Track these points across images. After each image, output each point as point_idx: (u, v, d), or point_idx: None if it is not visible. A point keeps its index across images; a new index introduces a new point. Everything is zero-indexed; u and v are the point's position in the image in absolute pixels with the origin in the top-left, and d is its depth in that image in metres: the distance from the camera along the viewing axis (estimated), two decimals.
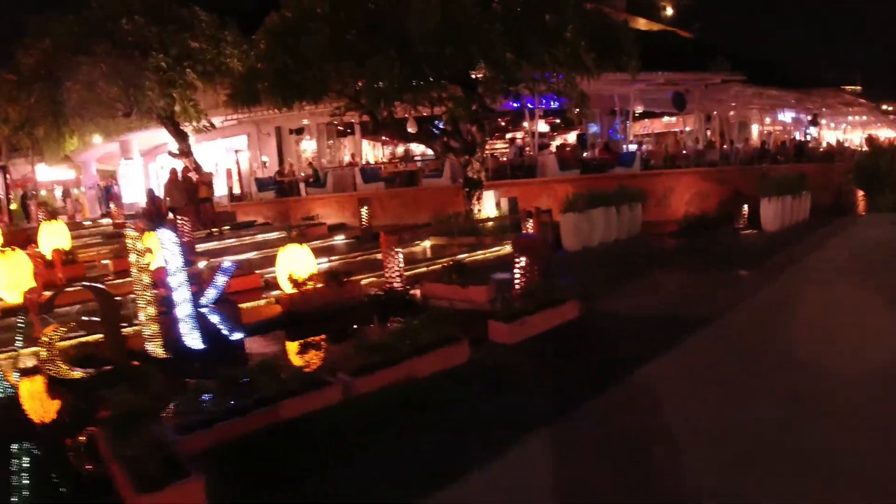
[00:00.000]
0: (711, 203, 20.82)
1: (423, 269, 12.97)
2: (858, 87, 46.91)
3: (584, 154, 25.09)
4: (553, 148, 29.58)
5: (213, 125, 23.39)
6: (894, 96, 52.86)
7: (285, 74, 14.35)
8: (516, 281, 9.10)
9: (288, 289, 10.78)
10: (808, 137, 34.94)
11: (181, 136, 23.09)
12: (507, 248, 15.28)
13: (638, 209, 17.00)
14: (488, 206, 17.94)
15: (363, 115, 17.57)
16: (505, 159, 24.13)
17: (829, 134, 41.79)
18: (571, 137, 32.81)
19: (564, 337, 7.53)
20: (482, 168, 17.85)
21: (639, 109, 26.09)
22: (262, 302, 11.53)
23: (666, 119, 37.09)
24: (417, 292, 10.88)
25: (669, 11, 55.62)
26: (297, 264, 11.03)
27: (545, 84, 16.84)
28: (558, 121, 35.70)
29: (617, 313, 8.54)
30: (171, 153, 23.80)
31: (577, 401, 5.62)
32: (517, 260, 9.10)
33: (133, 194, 30.80)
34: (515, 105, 28.92)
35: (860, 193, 22.88)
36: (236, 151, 30.20)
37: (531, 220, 14.54)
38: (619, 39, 15.14)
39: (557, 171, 22.18)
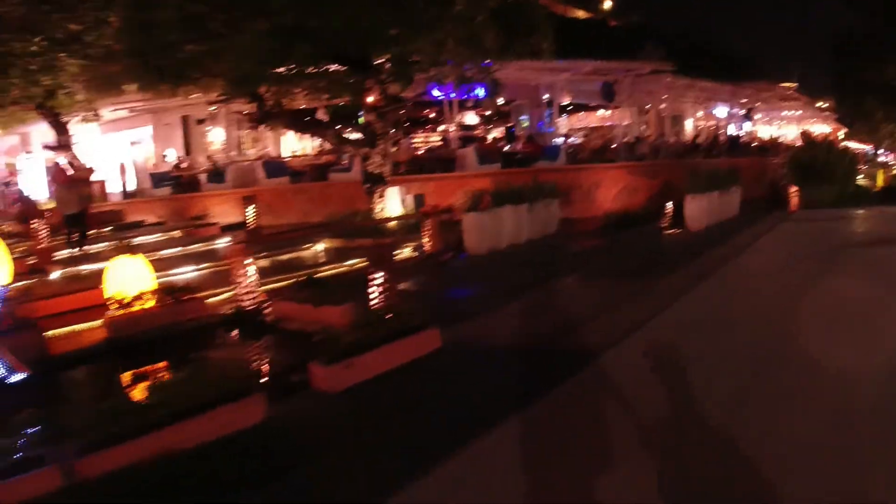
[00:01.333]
0: (640, 198, 19.46)
1: (295, 280, 11.06)
2: (794, 84, 46.50)
3: (506, 147, 23.48)
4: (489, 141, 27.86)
5: (97, 115, 20.92)
6: (829, 94, 52.99)
7: (140, 55, 12.21)
8: (373, 301, 7.30)
9: (116, 309, 8.80)
10: (743, 132, 34.17)
11: (60, 128, 20.56)
12: (408, 252, 13.55)
13: (554, 206, 15.41)
14: (392, 203, 16.11)
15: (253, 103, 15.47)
16: (421, 152, 22.33)
17: (764, 129, 41.35)
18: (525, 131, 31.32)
19: (406, 383, 5.76)
20: (385, 162, 15.98)
21: (565, 101, 24.62)
22: (87, 325, 9.46)
23: (601, 112, 35.90)
24: (271, 311, 9.02)
25: (608, 4, 54.65)
26: (129, 280, 9.04)
27: (451, 69, 15.07)
28: (489, 112, 34.08)
29: (487, 345, 6.83)
30: (45, 146, 21.22)
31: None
32: (372, 276, 7.29)
33: (34, 192, 27.88)
34: (441, 95, 27.33)
35: (794, 189, 21.88)
36: (132, 144, 27.60)
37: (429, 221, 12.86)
38: (527, 17, 13.48)
39: (476, 165, 20.50)
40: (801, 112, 40.96)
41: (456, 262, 12.33)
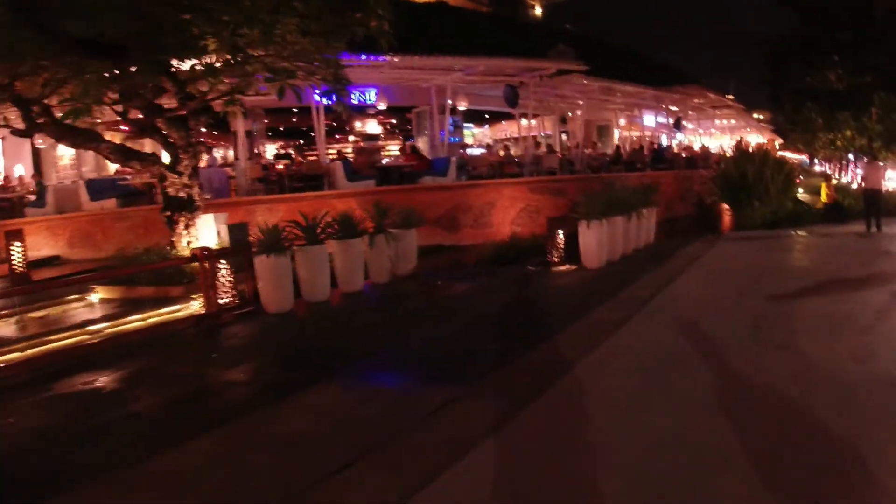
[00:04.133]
0: (543, 221, 16.01)
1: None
2: (730, 96, 44.15)
3: (385, 161, 19.77)
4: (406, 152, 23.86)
5: None
6: (765, 105, 51.13)
7: None
8: None
9: None
10: (675, 143, 31.23)
11: None
12: (194, 308, 9.58)
13: (409, 238, 11.68)
14: (207, 234, 12.09)
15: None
16: (281, 167, 18.35)
17: (697, 140, 38.70)
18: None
19: None
20: (192, 182, 11.97)
21: (463, 105, 21.01)
22: None
23: (525, 122, 32.52)
24: None
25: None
26: None
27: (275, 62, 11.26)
28: (395, 121, 30.38)
29: None
30: None
31: None
32: None
33: None
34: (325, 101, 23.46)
35: (725, 207, 18.70)
36: None
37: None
38: None
39: (346, 183, 16.67)
40: (734, 122, 38.44)
41: (234, 329, 8.42)
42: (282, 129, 31.54)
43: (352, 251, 10.62)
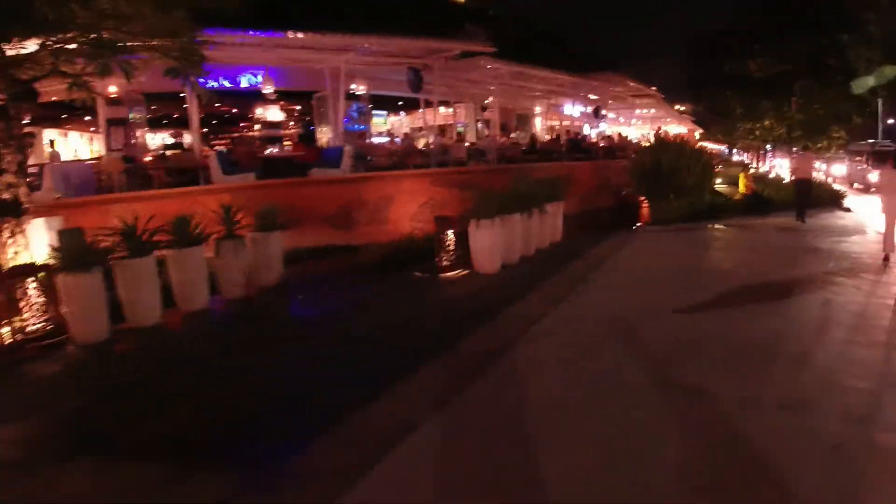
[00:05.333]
0: (449, 215, 14.44)
1: None
2: (653, 88, 43.69)
3: (269, 151, 17.77)
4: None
5: None
6: (687, 96, 51.08)
7: None
8: None
9: None
10: (595, 132, 30.17)
11: None
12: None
13: (271, 243, 9.82)
14: (38, 243, 9.86)
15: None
16: (148, 160, 16.06)
17: (620, 130, 37.95)
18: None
19: None
20: (18, 182, 9.69)
21: (361, 89, 19.14)
22: None
23: (444, 110, 30.83)
24: None
25: None
26: None
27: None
28: (300, 107, 28.20)
29: None
30: None
31: None
32: None
33: None
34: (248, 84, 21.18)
35: (642, 199, 17.48)
36: None
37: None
38: None
39: (221, 176, 14.57)
40: (655, 111, 37.83)
41: (32, 368, 6.41)
42: (177, 117, 28.90)
43: (191, 262, 8.69)
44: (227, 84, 21.45)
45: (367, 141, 19.05)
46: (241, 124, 29.39)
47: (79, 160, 17.48)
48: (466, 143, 19.06)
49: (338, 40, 15.44)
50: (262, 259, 9.87)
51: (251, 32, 14.88)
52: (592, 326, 6.43)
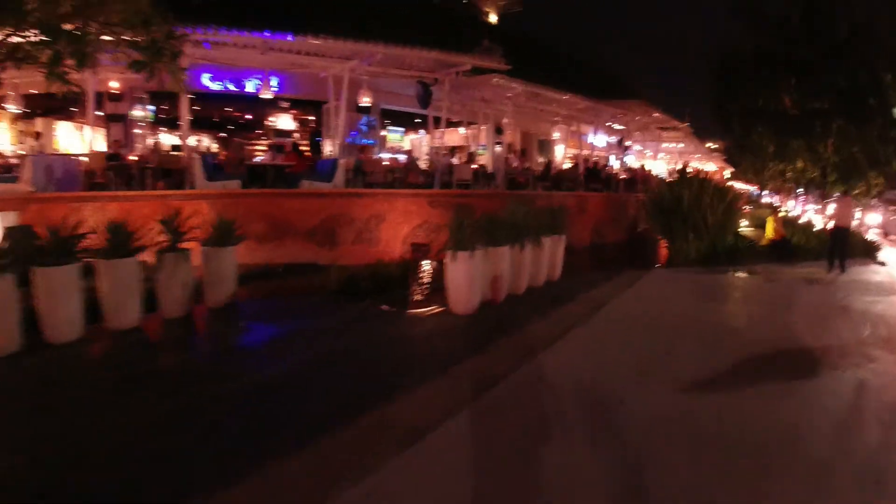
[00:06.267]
0: (427, 242, 13.21)
1: None
2: (686, 124, 42.37)
3: (259, 158, 16.70)
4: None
5: None
6: (719, 135, 49.49)
7: None
8: None
9: None
10: (619, 164, 28.77)
11: None
12: None
13: (223, 258, 8.67)
14: None
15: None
16: (133, 158, 15.06)
17: (649, 164, 36.45)
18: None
19: None
20: None
21: (366, 101, 18.04)
22: None
23: (464, 131, 29.67)
24: None
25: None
26: None
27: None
28: (313, 117, 27.13)
29: None
30: None
31: None
32: None
33: None
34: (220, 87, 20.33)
35: (657, 236, 16.11)
36: None
37: None
38: None
39: (204, 182, 13.54)
40: (683, 145, 36.32)
41: None
42: (190, 119, 28.04)
43: (122, 274, 7.57)
44: (231, 87, 20.59)
45: (371, 156, 17.89)
46: (258, 131, 28.52)
47: (65, 154, 16.57)
48: (474, 165, 17.82)
49: (339, 46, 14.35)
50: (213, 276, 8.72)
51: (242, 32, 13.90)
52: (559, 399, 5.09)
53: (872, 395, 5.51)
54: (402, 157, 19.24)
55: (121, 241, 7.78)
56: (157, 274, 8.14)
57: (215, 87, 20.32)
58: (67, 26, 7.65)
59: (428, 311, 8.40)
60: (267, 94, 16.62)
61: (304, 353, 6.54)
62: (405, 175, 15.89)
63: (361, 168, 15.49)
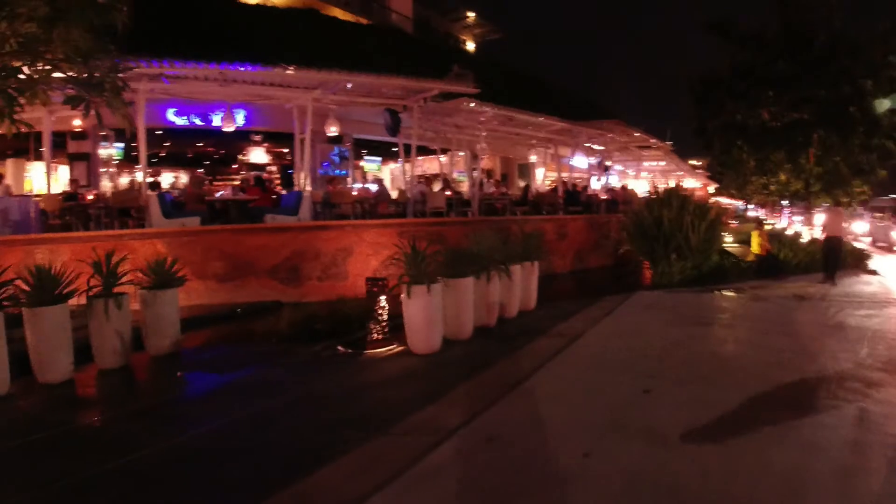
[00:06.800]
0: (386, 276, 12.57)
1: None
2: (667, 142, 42.32)
3: (220, 193, 16.04)
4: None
5: None
6: (698, 151, 49.34)
7: None
8: None
9: None
10: (599, 185, 28.25)
11: None
12: None
13: (165, 303, 7.97)
14: None
15: None
16: (90, 198, 14.37)
17: (632, 184, 36.00)
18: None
19: None
20: None
21: (333, 131, 17.43)
22: None
23: (444, 159, 29.11)
24: None
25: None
26: None
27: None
28: (287, 150, 26.56)
29: None
30: None
31: None
32: None
33: None
34: (183, 122, 19.72)
35: (640, 259, 15.49)
36: None
37: None
38: None
39: (161, 220, 12.86)
40: (664, 164, 35.93)
41: None
42: (163, 155, 27.36)
43: (49, 323, 6.86)
44: (198, 122, 19.99)
45: (341, 187, 17.27)
46: (234, 166, 27.90)
47: (23, 196, 15.89)
48: (448, 192, 17.21)
49: (301, 76, 13.77)
50: (154, 322, 8.00)
51: (200, 64, 13.31)
52: (514, 459, 4.35)
53: (878, 430, 4.82)
54: (373, 187, 18.63)
55: (46, 286, 7.09)
56: (90, 321, 7.44)
57: (180, 121, 19.72)
58: (15, 63, 7.09)
59: (386, 351, 7.69)
60: (230, 127, 15.99)
61: (238, 409, 5.80)
62: (375, 205, 15.24)
63: (329, 200, 14.85)
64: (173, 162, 28.33)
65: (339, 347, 7.94)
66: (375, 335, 7.90)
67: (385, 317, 7.96)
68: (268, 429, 5.26)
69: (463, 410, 5.26)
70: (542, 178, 30.71)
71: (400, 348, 7.71)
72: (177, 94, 15.93)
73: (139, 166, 14.25)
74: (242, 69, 13.03)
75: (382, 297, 7.97)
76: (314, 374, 6.99)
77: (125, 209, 13.84)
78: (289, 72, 13.75)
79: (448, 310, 7.92)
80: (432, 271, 7.60)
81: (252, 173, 17.45)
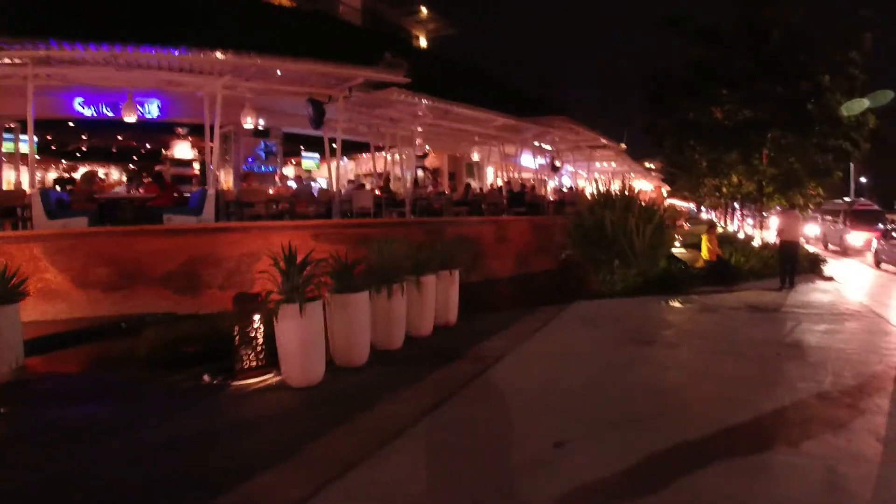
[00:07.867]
0: (259, 291, 11.10)
1: None
2: (623, 146, 41.79)
3: (116, 191, 14.39)
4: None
5: None
6: (654, 154, 48.86)
7: None
8: None
9: None
10: (552, 186, 27.16)
11: None
12: None
13: (7, 318, 6.41)
14: None
15: None
16: None
17: (583, 185, 35.08)
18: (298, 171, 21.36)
19: None
20: None
21: (249, 123, 15.88)
22: None
23: (390, 157, 27.57)
24: None
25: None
26: None
27: None
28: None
29: None
30: None
31: None
32: None
33: None
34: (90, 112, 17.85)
35: (581, 264, 14.30)
36: None
37: None
38: None
39: (45, 220, 11.18)
40: (615, 165, 35.09)
41: None
42: (86, 149, 25.30)
43: None
44: (108, 112, 18.13)
45: (255, 184, 15.70)
46: (160, 161, 25.98)
47: None
48: (376, 191, 15.81)
49: (206, 59, 12.18)
50: None
51: (93, 47, 11.65)
52: None
53: (848, 495, 3.61)
54: (293, 184, 17.12)
55: None
56: None
57: (88, 112, 17.83)
58: None
59: (258, 382, 6.27)
60: (131, 118, 14.29)
61: (57, 461, 4.34)
62: (294, 205, 13.74)
63: (240, 199, 13.32)
64: (100, 157, 26.30)
65: (205, 377, 6.48)
66: (248, 362, 6.46)
67: (260, 340, 6.53)
68: (81, 492, 3.81)
69: (315, 475, 3.89)
70: (494, 177, 29.51)
71: (276, 378, 6.30)
72: (76, 80, 14.20)
73: (66, 160, 12.46)
74: (139, 51, 11.46)
75: (257, 316, 6.53)
76: (162, 413, 5.55)
77: (11, 208, 12.07)
78: (194, 55, 12.21)
79: (336, 331, 6.55)
80: (313, 286, 6.20)
81: (157, 168, 15.76)
